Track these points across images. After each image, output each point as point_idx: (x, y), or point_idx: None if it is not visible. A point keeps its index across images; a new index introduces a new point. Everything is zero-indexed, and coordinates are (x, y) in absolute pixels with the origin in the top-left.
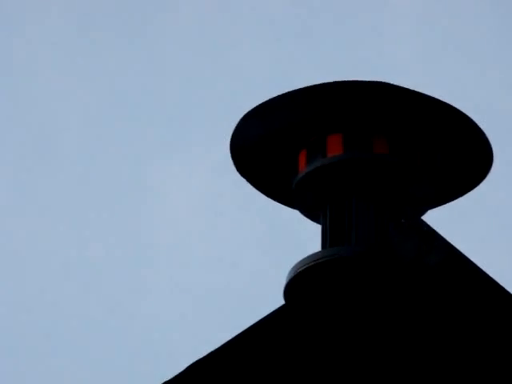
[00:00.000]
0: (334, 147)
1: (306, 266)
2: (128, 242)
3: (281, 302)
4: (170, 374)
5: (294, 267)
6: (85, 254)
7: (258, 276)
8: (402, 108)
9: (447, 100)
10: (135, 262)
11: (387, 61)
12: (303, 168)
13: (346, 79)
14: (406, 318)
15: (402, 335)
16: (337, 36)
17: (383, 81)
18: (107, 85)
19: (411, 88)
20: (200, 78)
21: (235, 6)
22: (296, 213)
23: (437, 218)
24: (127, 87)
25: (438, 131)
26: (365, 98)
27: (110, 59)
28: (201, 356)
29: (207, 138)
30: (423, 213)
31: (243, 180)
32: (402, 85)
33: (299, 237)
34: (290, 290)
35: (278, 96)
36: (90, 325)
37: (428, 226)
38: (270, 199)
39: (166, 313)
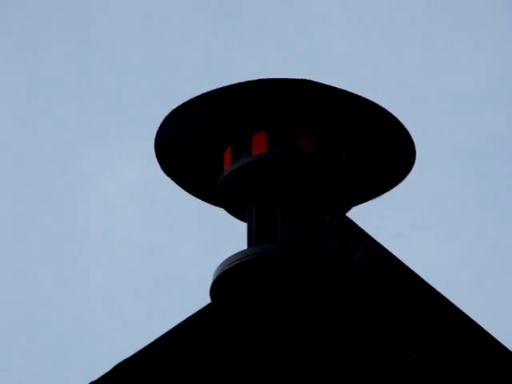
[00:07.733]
0: (259, 145)
1: (233, 264)
2: (62, 229)
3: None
4: (98, 373)
5: (220, 265)
6: (21, 242)
7: (189, 266)
8: (325, 105)
9: (377, 94)
10: (70, 249)
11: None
12: (228, 166)
13: (272, 75)
14: (331, 315)
15: (327, 332)
16: (270, 24)
17: (307, 78)
18: (41, 71)
19: (337, 85)
20: (136, 68)
21: None
22: (222, 210)
23: (363, 213)
24: (63, 76)
25: (361, 128)
26: (289, 96)
27: (43, 47)
28: (127, 355)
29: (141, 126)
30: (348, 209)
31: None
32: (335, 77)
33: (227, 233)
34: (217, 288)
35: (203, 94)
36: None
37: (355, 224)
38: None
39: (99, 300)
